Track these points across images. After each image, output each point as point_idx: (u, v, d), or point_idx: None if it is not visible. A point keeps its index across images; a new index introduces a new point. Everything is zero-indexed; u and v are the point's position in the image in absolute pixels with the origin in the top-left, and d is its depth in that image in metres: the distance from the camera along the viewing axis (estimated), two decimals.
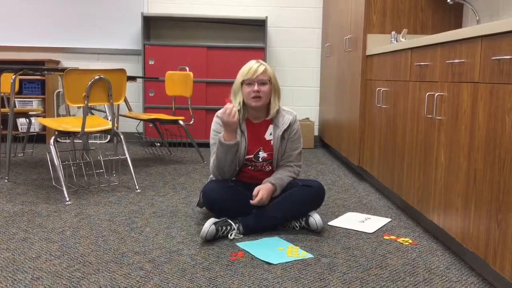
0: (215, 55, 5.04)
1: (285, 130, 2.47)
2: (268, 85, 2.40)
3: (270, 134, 2.48)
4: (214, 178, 2.49)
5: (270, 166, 2.51)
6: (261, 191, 2.32)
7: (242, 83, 2.40)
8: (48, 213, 2.65)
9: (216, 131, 2.44)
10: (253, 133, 2.46)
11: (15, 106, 4.75)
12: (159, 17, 5.15)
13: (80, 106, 3.04)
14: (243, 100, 2.42)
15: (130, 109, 4.54)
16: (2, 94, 4.39)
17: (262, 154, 2.47)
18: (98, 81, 3.01)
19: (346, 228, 2.49)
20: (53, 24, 5.25)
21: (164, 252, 2.11)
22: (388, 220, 2.64)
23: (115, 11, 5.27)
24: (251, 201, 2.31)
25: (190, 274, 1.88)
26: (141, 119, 4.34)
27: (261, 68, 2.39)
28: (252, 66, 2.39)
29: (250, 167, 2.49)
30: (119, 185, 3.31)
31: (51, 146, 2.98)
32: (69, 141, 5.17)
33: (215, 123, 2.47)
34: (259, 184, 2.46)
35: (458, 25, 3.54)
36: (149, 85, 5.05)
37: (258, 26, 5.34)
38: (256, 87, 2.36)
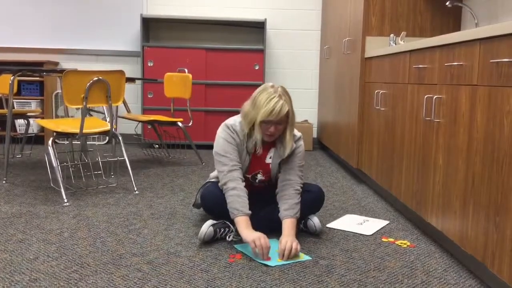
0: (214, 57, 5.04)
1: (287, 156, 2.34)
2: (285, 122, 2.24)
3: (270, 158, 2.39)
4: (212, 180, 2.49)
5: (266, 183, 2.46)
6: (289, 243, 2.08)
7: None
8: (46, 214, 2.65)
9: (226, 140, 2.29)
10: (256, 155, 2.38)
11: (13, 107, 4.74)
12: (158, 19, 5.15)
13: (79, 108, 3.04)
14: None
15: (128, 111, 4.53)
16: (0, 95, 4.38)
17: (259, 177, 2.41)
18: (96, 83, 3.01)
19: (344, 230, 2.49)
20: (52, 25, 5.25)
21: (162, 253, 2.11)
22: (387, 222, 2.64)
23: (114, 12, 5.27)
24: (279, 258, 2.07)
25: (188, 276, 1.88)
26: (139, 121, 4.34)
27: (284, 110, 2.17)
28: (275, 108, 2.14)
29: (246, 182, 2.39)
30: (117, 187, 3.31)
31: (49, 148, 2.98)
32: (68, 142, 5.16)
33: (226, 133, 2.30)
34: (257, 192, 2.44)
35: (457, 28, 3.55)
36: (148, 86, 5.05)
37: (257, 28, 5.34)
38: (272, 129, 2.20)
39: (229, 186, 2.24)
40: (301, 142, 2.41)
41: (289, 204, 2.27)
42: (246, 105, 2.28)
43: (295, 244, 2.09)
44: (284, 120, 2.23)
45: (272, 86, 2.22)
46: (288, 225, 2.22)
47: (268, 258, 2.06)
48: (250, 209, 2.27)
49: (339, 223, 2.60)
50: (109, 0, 5.24)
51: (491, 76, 1.76)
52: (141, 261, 2.02)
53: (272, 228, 2.38)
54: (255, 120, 2.20)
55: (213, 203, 2.33)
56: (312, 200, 2.42)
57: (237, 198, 2.21)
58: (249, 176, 2.40)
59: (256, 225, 2.33)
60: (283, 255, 2.06)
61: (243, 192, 2.24)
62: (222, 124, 2.35)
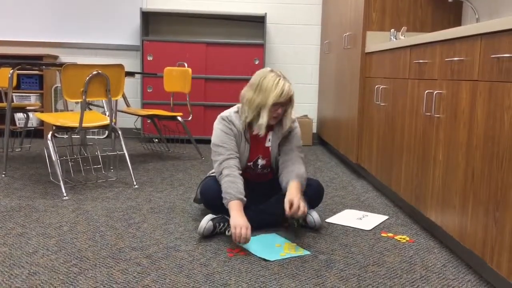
0: (214, 51, 5.03)
1: (284, 137, 2.42)
2: (289, 103, 2.31)
3: (269, 141, 2.42)
4: (212, 175, 2.49)
5: (268, 169, 2.48)
6: (296, 201, 2.16)
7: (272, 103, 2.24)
8: (45, 208, 2.65)
9: (224, 131, 2.33)
10: (255, 141, 2.41)
11: (12, 101, 4.73)
12: (158, 13, 5.13)
13: (78, 101, 3.03)
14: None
15: (128, 105, 4.53)
16: (0, 89, 4.38)
17: (260, 162, 2.43)
18: (96, 76, 3.00)
19: (343, 225, 2.49)
20: (51, 19, 5.23)
21: (162, 248, 2.11)
22: (386, 217, 2.64)
23: (114, 6, 5.25)
24: (287, 213, 2.17)
25: (187, 270, 1.88)
26: (139, 115, 4.33)
27: (292, 91, 2.26)
28: (284, 90, 2.23)
29: (248, 171, 2.45)
30: (117, 181, 3.30)
31: (48, 141, 2.97)
32: (67, 136, 5.16)
33: (223, 125, 2.34)
34: (258, 183, 2.45)
35: (458, 23, 3.54)
36: (148, 81, 5.04)
37: (257, 22, 5.32)
38: (280, 111, 2.27)
39: (224, 173, 2.26)
40: (297, 124, 2.48)
41: (295, 173, 2.31)
42: (247, 92, 2.32)
43: (303, 206, 2.14)
44: (289, 101, 2.29)
45: (272, 70, 2.29)
46: (293, 186, 2.25)
47: (246, 241, 2.08)
48: (250, 203, 2.28)
49: (339, 218, 2.60)
50: None
51: (491, 71, 1.75)
52: (141, 255, 2.02)
53: (272, 222, 2.38)
54: (265, 104, 2.24)
55: (212, 198, 2.33)
56: (311, 194, 2.42)
57: (231, 184, 2.22)
58: (251, 163, 2.42)
59: (256, 219, 2.34)
60: (291, 213, 2.15)
61: (238, 179, 2.25)
62: (218, 117, 2.39)
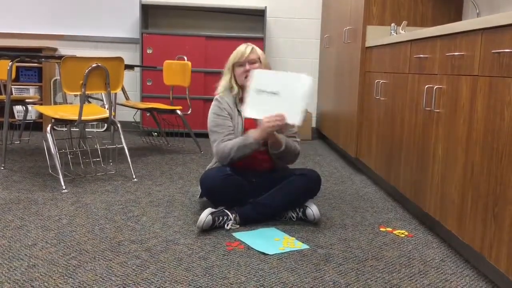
0: (213, 44, 5.01)
1: None
2: (258, 64, 2.48)
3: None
4: (213, 167, 2.50)
5: (266, 145, 2.52)
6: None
7: (234, 65, 2.50)
8: (44, 201, 2.65)
9: (216, 113, 2.48)
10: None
11: (11, 94, 4.72)
12: (157, 6, 5.11)
13: (77, 94, 3.03)
14: (236, 82, 2.53)
15: (127, 98, 4.52)
16: None
17: None
18: (95, 69, 2.99)
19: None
20: (51, 11, 5.21)
21: (161, 241, 2.11)
22: (309, 79, 2.32)
23: None
24: (265, 119, 2.28)
25: (187, 263, 1.89)
26: (138, 108, 4.33)
27: (249, 49, 2.47)
28: (240, 49, 2.49)
29: None
30: (116, 174, 3.30)
31: (48, 134, 2.97)
32: (66, 129, 5.15)
33: (215, 106, 2.51)
34: (256, 172, 2.48)
35: (458, 18, 3.53)
36: (147, 74, 5.02)
37: (257, 16, 5.30)
38: (247, 67, 2.44)
39: (223, 143, 2.38)
40: None
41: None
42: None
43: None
44: (257, 61, 2.46)
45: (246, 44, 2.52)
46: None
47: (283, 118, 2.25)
48: (248, 197, 2.33)
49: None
50: None
51: (492, 66, 1.75)
52: (140, 248, 2.03)
53: (269, 215, 2.39)
54: (230, 67, 2.49)
55: (212, 188, 2.34)
56: (308, 184, 2.43)
57: (235, 140, 2.36)
58: None
59: (255, 212, 2.35)
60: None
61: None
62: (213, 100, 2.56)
